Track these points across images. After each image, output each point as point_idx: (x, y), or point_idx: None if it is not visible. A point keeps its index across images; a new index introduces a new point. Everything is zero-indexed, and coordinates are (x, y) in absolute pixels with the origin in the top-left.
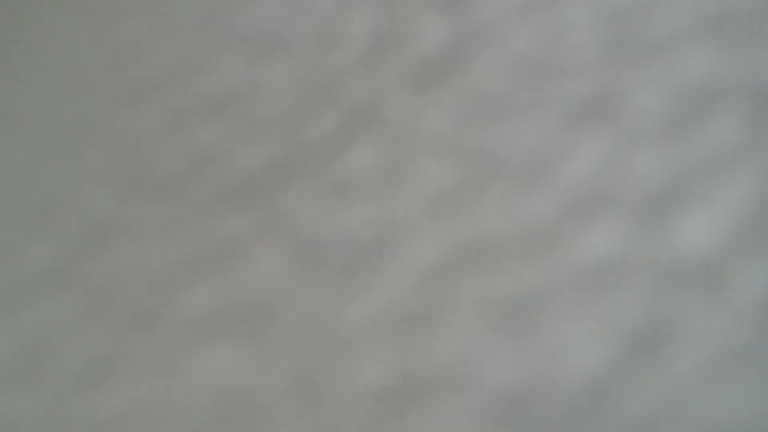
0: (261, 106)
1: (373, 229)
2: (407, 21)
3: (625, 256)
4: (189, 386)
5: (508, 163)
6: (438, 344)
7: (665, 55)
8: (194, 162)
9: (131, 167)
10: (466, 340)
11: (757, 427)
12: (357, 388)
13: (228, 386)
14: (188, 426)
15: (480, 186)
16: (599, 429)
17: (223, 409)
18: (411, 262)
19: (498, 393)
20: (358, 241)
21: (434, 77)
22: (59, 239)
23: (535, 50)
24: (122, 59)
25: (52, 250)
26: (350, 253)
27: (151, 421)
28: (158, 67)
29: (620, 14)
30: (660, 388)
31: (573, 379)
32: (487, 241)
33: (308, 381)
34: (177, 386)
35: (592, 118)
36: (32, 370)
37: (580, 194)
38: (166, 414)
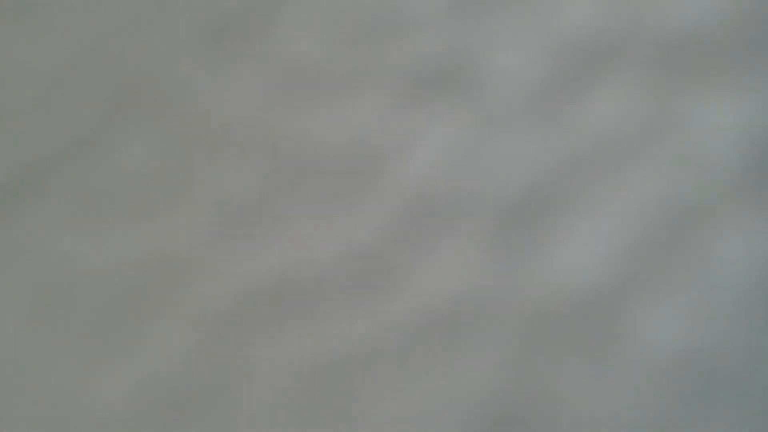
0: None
1: (141, 265)
2: None
3: (478, 294)
4: None
5: (327, 160)
6: None
7: (535, 2)
8: None
9: None
10: (257, 430)
11: None
12: None
13: None
14: None
15: (289, 195)
16: None
17: None
18: (189, 312)
19: None
20: (117, 284)
21: (230, 42)
22: None
23: (360, 3)
24: None
25: None
26: (106, 302)
27: None
28: None
29: None
30: None
31: None
32: (294, 279)
33: None
34: None
35: (436, 92)
36: None
37: (419, 205)
38: None
